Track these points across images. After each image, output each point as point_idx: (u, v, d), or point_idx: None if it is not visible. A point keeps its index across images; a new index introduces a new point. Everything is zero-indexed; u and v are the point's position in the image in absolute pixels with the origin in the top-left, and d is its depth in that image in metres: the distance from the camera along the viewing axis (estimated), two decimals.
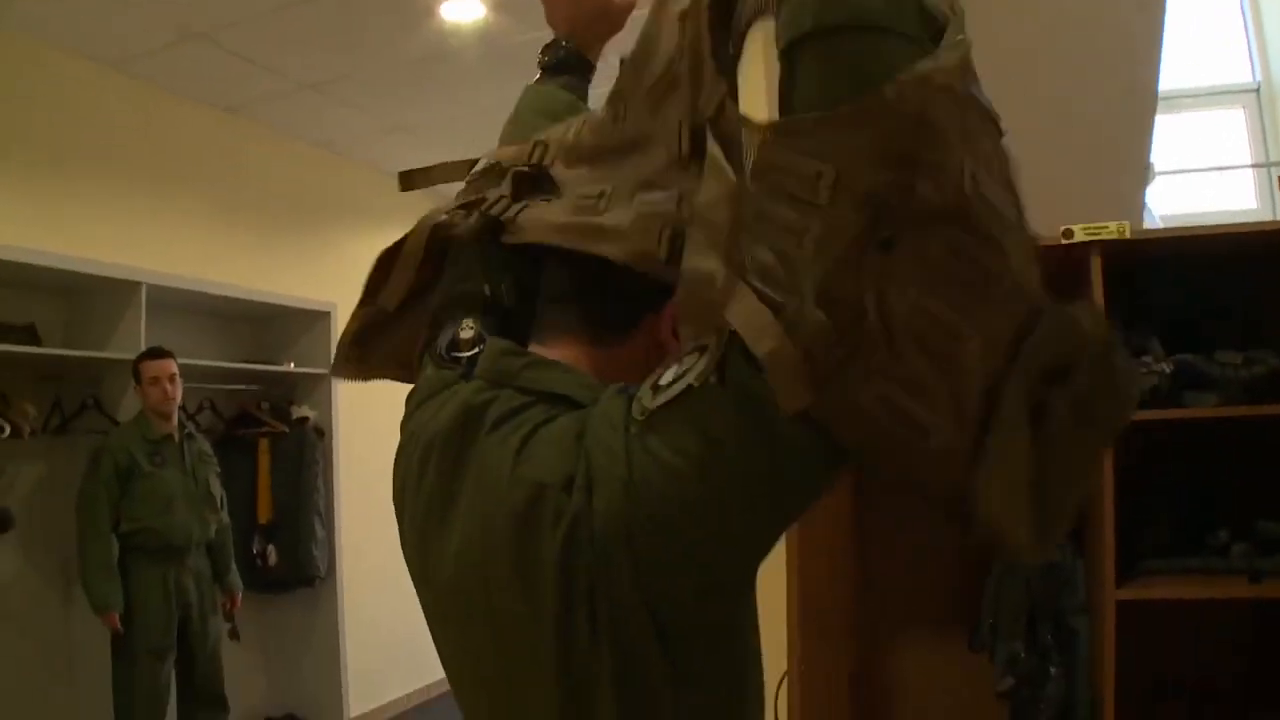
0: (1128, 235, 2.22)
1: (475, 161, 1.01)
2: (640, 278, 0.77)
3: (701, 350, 0.64)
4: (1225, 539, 2.30)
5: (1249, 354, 2.24)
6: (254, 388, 4.86)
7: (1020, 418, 0.60)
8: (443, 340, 0.86)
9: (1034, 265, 0.65)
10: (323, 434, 4.92)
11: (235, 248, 4.83)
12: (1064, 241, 2.24)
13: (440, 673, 0.85)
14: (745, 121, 0.71)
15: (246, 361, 4.80)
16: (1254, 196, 6.06)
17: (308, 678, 4.92)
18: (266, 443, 4.74)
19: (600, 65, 1.18)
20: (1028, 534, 0.61)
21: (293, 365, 4.90)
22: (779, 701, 1.81)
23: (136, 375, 3.71)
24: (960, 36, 0.61)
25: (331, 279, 5.25)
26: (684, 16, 0.78)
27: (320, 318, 5.00)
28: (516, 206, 0.87)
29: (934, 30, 0.61)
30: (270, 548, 4.62)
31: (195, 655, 3.78)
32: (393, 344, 0.97)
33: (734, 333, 0.61)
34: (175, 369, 3.76)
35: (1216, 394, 2.25)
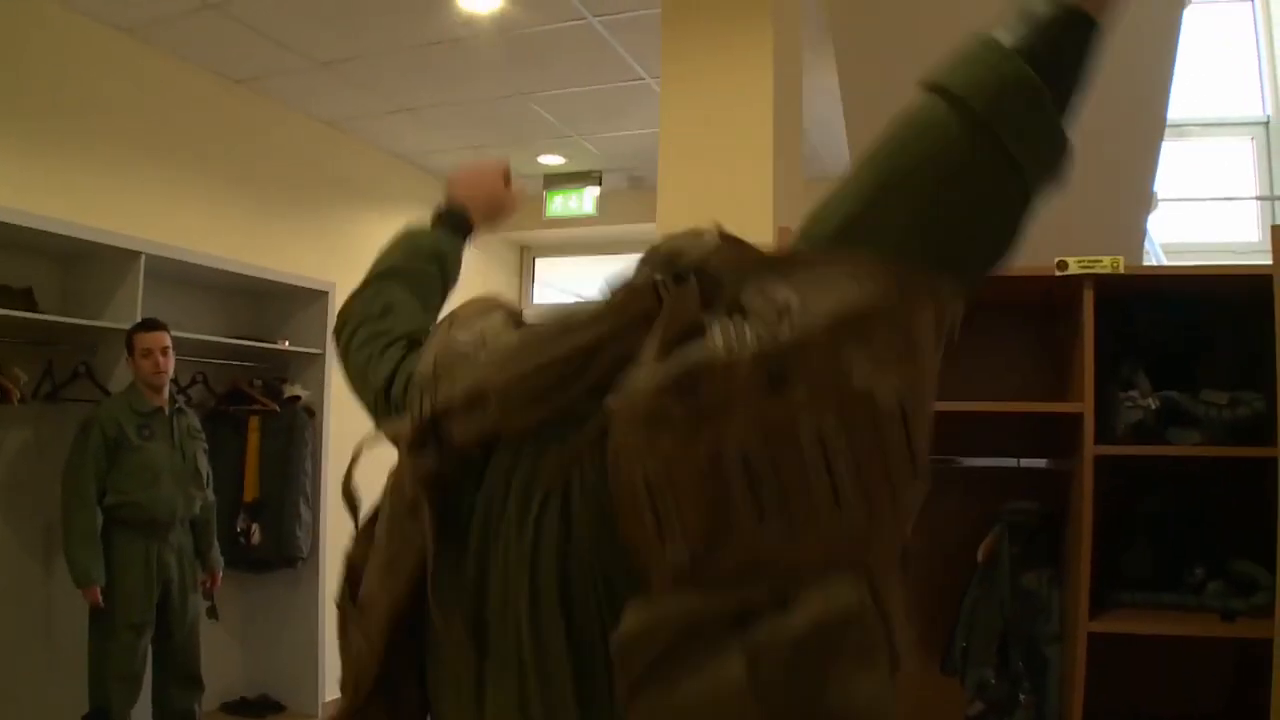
0: (1121, 270, 2.23)
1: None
2: None
3: None
4: (1201, 576, 2.31)
5: (1235, 394, 2.25)
6: (247, 364, 4.85)
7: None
8: None
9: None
10: (313, 414, 4.91)
11: (236, 221, 4.83)
12: (1058, 273, 2.25)
13: None
14: None
15: (242, 337, 4.79)
16: (1257, 228, 6.08)
17: (285, 659, 4.91)
18: (257, 420, 4.73)
19: None
20: None
21: (287, 343, 4.89)
22: None
23: (129, 346, 3.70)
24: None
25: (331, 258, 5.25)
26: None
27: (318, 296, 4.99)
28: None
29: None
30: (254, 526, 4.62)
31: (173, 632, 3.76)
32: None
33: None
34: (169, 342, 3.75)
35: (1200, 432, 2.26)
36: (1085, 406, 2.23)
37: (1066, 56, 0.74)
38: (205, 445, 4.01)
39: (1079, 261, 2.25)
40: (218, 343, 4.59)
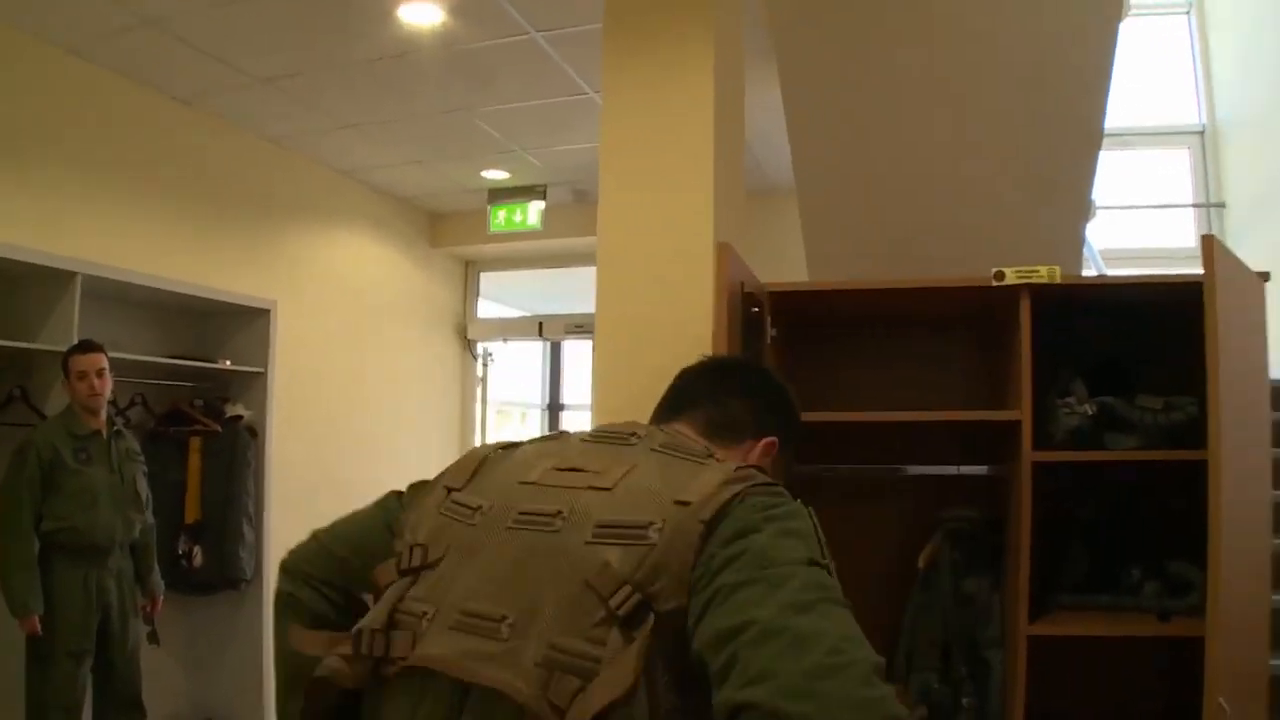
0: (1058, 280, 2.26)
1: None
2: None
3: None
4: (1138, 578, 2.35)
5: (1170, 400, 2.29)
6: (188, 384, 4.76)
7: None
8: None
9: None
10: (255, 434, 4.84)
11: (177, 240, 4.75)
12: (995, 284, 2.28)
13: None
14: None
15: (183, 357, 4.71)
16: (1194, 235, 6.23)
17: (228, 683, 4.82)
18: (198, 441, 4.65)
19: None
20: None
21: (229, 363, 4.82)
22: None
23: (65, 369, 3.62)
24: None
25: (273, 276, 5.16)
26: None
27: (259, 315, 4.92)
28: None
29: None
30: (196, 548, 4.53)
31: (114, 659, 3.68)
32: None
33: None
34: (105, 363, 3.67)
35: (1136, 437, 2.30)
36: (1023, 414, 2.27)
37: None
38: (145, 467, 3.93)
39: (1016, 272, 2.28)
40: (157, 363, 4.50)
